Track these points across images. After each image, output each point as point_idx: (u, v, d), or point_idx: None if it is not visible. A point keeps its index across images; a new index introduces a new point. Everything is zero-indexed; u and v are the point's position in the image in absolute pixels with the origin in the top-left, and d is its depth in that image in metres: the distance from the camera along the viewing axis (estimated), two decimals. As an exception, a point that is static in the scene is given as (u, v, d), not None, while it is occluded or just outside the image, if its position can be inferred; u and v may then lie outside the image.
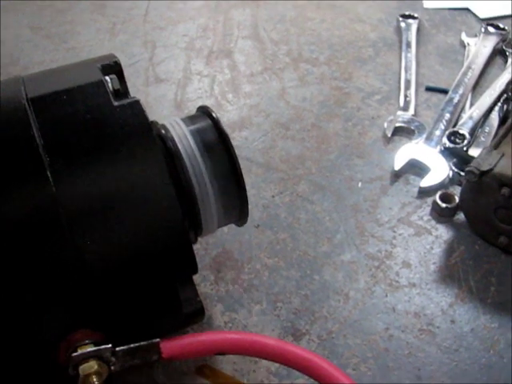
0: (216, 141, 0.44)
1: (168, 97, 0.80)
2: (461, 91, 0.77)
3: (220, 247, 0.60)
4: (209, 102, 0.79)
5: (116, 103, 0.40)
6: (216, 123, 0.45)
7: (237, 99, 0.79)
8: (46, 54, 0.89)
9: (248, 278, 0.58)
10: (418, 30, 0.90)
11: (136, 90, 0.81)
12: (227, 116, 0.76)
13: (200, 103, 0.78)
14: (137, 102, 0.40)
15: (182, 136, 0.44)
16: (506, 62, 0.84)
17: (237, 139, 0.72)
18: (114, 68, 0.45)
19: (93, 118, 0.39)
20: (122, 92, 0.44)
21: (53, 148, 0.38)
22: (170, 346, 0.40)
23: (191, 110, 0.77)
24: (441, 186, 0.66)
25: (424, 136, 0.72)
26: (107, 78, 0.43)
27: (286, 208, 0.64)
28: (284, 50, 0.88)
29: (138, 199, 0.39)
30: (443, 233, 0.62)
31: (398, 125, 0.73)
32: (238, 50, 0.88)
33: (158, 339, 0.40)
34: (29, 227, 0.36)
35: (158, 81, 0.83)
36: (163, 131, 0.44)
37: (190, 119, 0.47)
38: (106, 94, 0.40)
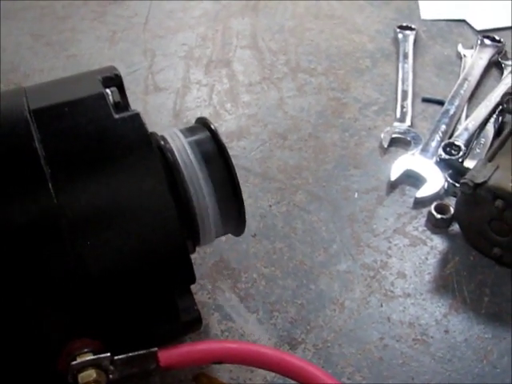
0: (214, 152, 0.45)
1: (167, 105, 0.81)
2: (457, 103, 0.78)
3: (217, 256, 0.61)
4: (207, 112, 0.79)
5: (117, 116, 0.41)
6: (214, 135, 0.46)
7: (235, 109, 0.80)
8: (46, 62, 0.90)
9: (245, 287, 0.58)
10: (415, 41, 0.91)
11: (135, 98, 0.82)
12: (225, 125, 0.77)
13: (199, 112, 0.79)
14: (137, 115, 0.41)
15: (181, 148, 0.45)
16: (502, 73, 0.85)
17: (235, 149, 0.73)
18: (114, 80, 0.45)
19: (94, 130, 0.40)
20: (123, 105, 0.45)
21: (54, 160, 0.38)
22: (168, 355, 0.41)
23: (190, 119, 0.78)
24: (436, 196, 0.66)
25: (420, 147, 0.72)
26: (108, 90, 0.44)
27: (283, 218, 0.65)
28: (282, 59, 0.89)
29: (138, 210, 0.39)
30: (438, 243, 0.63)
31: (394, 136, 0.74)
32: (237, 60, 0.89)
33: (155, 348, 0.41)
34: (30, 237, 0.37)
35: (157, 89, 0.84)
36: (162, 142, 0.45)
37: (188, 130, 0.47)
38: (106, 107, 0.41)
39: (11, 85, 0.85)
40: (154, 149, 0.41)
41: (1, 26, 0.97)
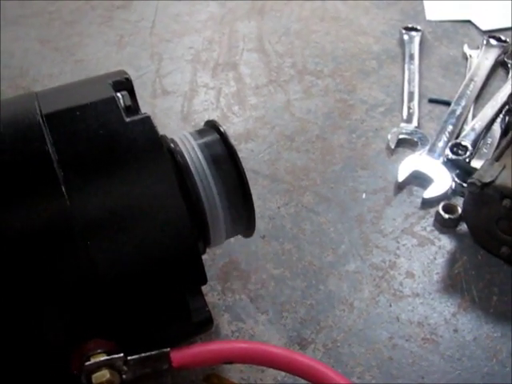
0: (224, 155, 0.46)
1: (175, 109, 0.81)
2: (463, 103, 0.78)
3: (227, 258, 0.61)
4: (215, 114, 0.80)
5: (128, 119, 0.41)
6: (224, 137, 0.46)
7: (242, 111, 0.81)
8: (54, 67, 0.91)
9: (254, 288, 0.59)
10: (421, 42, 0.91)
11: (143, 102, 0.82)
12: (233, 128, 0.77)
13: (206, 115, 0.80)
14: (148, 118, 0.42)
15: (191, 150, 0.45)
16: (508, 73, 0.85)
17: (243, 151, 0.73)
18: (125, 84, 0.46)
19: (105, 134, 0.40)
20: (133, 108, 0.45)
21: (67, 163, 0.39)
22: (180, 355, 0.41)
23: (198, 122, 0.79)
24: (444, 197, 0.67)
25: (427, 148, 0.73)
26: (119, 94, 0.44)
27: (292, 219, 0.66)
28: (289, 62, 0.89)
29: (149, 212, 0.40)
30: (446, 243, 0.63)
31: (401, 136, 0.75)
32: (244, 63, 0.90)
33: (168, 348, 0.41)
34: (44, 239, 0.38)
35: (164, 93, 0.84)
36: (172, 145, 0.45)
37: (198, 133, 0.48)
38: (117, 111, 0.42)
39: (20, 90, 0.85)
40: (164, 151, 0.41)
41: (9, 32, 0.98)
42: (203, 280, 0.43)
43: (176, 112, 0.81)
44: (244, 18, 1.00)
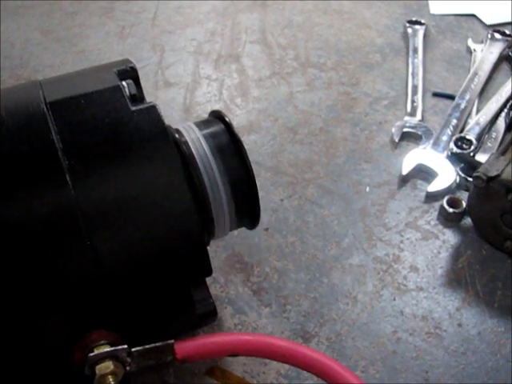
0: (229, 145, 0.45)
1: (177, 100, 0.81)
2: (467, 97, 0.78)
3: (229, 250, 0.61)
4: (217, 106, 0.79)
5: (133, 108, 0.41)
6: (229, 128, 0.46)
7: (245, 103, 0.80)
8: (55, 57, 0.90)
9: (257, 281, 0.59)
10: (425, 35, 0.90)
11: (145, 93, 0.79)
12: (236, 120, 0.77)
13: (209, 107, 0.79)
14: (153, 107, 0.41)
15: (196, 140, 0.45)
16: (512, 68, 0.85)
17: (246, 143, 0.72)
18: (130, 73, 0.45)
19: (110, 123, 0.40)
20: (139, 97, 0.45)
21: (71, 152, 0.38)
22: (185, 347, 0.41)
23: (200, 113, 0.78)
24: (448, 191, 0.66)
25: (431, 141, 0.72)
26: (124, 83, 0.44)
27: (295, 211, 0.65)
28: (292, 54, 0.89)
29: (155, 202, 0.39)
30: (450, 237, 0.63)
31: (405, 130, 0.74)
32: (246, 55, 0.89)
33: (172, 340, 0.41)
34: (47, 228, 0.37)
35: (167, 85, 0.84)
36: (177, 135, 0.45)
37: (203, 123, 0.47)
38: (123, 99, 0.41)
39: (21, 80, 0.85)
40: (170, 141, 0.41)
41: (10, 22, 0.97)
42: (208, 271, 0.42)
43: (178, 104, 0.80)
44: (246, 10, 1.00)
